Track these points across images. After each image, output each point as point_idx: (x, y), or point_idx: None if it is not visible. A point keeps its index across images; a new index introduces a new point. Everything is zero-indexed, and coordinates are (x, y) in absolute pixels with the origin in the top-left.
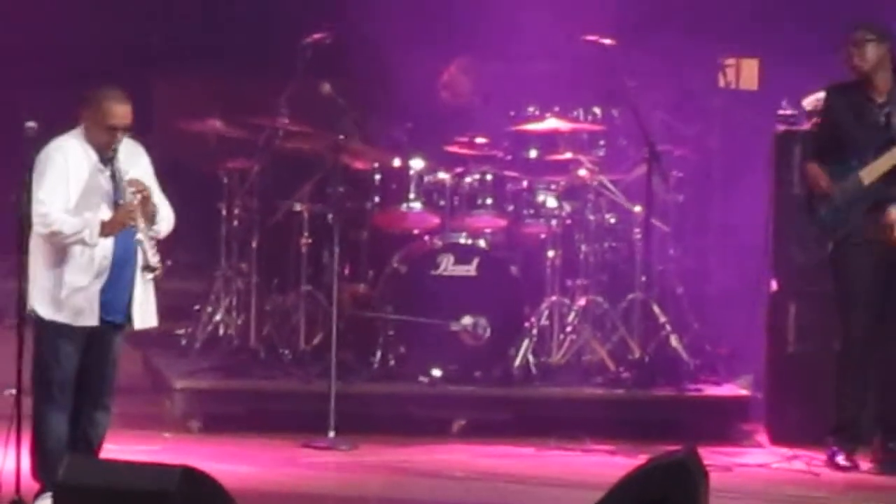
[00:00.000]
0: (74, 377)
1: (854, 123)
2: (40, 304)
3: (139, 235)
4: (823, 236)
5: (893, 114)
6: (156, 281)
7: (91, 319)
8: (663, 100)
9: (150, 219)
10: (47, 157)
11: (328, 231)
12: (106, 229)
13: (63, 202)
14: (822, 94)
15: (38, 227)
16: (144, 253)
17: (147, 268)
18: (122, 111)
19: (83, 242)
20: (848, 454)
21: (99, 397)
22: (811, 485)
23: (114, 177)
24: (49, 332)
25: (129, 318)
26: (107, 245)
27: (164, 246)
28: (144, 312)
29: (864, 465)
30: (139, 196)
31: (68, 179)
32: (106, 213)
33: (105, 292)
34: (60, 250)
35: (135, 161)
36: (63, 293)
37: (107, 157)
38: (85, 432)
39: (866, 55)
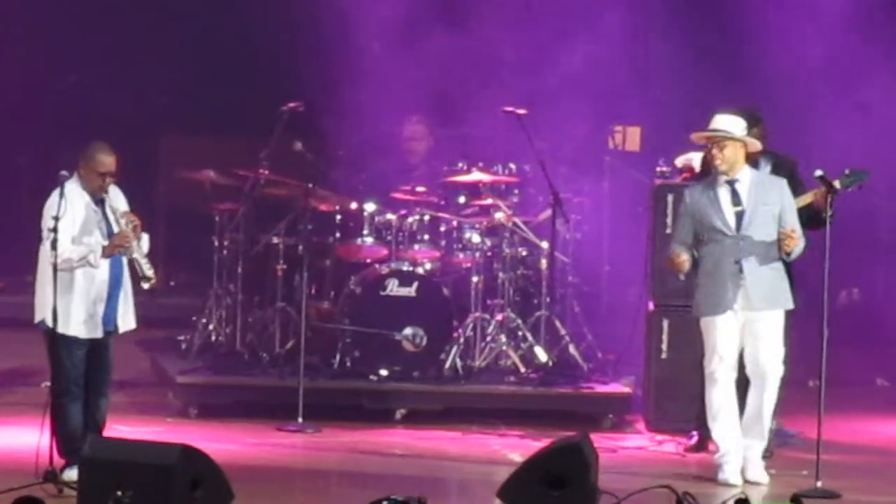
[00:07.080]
0: (83, 374)
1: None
2: (58, 322)
3: (135, 255)
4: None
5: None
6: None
7: (96, 332)
8: (565, 157)
9: (139, 241)
10: (53, 202)
11: (299, 259)
12: (106, 252)
13: (69, 236)
14: (690, 154)
15: (51, 259)
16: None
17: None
18: (109, 161)
19: (89, 264)
20: (701, 438)
21: (101, 388)
22: (678, 462)
23: (105, 213)
24: (66, 342)
25: (116, 326)
26: (103, 272)
27: (168, 270)
28: (126, 319)
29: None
30: (131, 225)
31: (72, 219)
32: (101, 241)
33: (104, 310)
34: (69, 278)
35: (119, 200)
36: (74, 315)
37: (98, 198)
38: (92, 416)
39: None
